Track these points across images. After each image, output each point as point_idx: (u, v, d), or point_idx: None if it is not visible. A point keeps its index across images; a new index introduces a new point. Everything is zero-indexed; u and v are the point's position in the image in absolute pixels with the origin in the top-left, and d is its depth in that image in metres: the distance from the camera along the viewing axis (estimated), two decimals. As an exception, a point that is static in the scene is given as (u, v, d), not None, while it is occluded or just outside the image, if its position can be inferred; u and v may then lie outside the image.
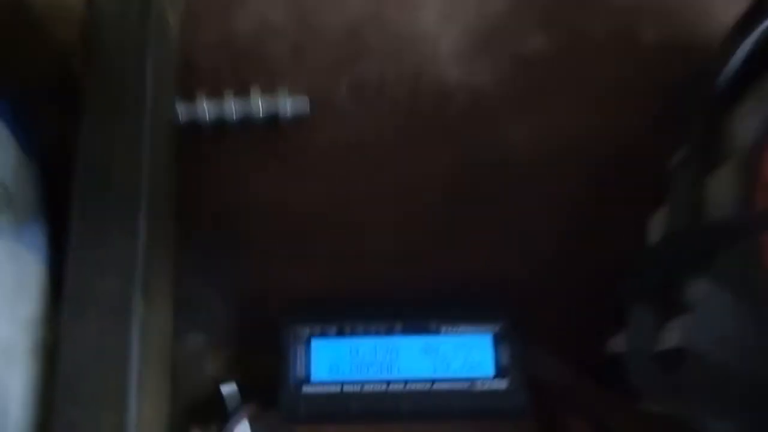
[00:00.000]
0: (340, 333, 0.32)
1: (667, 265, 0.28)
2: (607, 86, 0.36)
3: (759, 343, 0.23)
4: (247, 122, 0.34)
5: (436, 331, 0.32)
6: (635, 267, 0.32)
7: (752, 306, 0.23)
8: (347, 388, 0.31)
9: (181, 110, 0.34)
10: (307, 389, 0.31)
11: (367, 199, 0.36)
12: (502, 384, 0.31)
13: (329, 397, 0.31)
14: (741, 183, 0.25)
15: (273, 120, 0.34)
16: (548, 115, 0.37)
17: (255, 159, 0.37)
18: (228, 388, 0.34)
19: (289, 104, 0.34)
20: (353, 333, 0.32)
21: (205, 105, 0.34)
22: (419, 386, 0.31)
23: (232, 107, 0.34)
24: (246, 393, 0.34)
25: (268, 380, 0.32)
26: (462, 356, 0.31)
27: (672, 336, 0.26)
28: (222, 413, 0.34)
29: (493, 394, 0.31)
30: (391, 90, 0.37)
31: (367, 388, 0.31)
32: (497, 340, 0.31)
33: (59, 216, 0.31)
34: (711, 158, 0.28)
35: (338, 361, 0.32)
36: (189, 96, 0.35)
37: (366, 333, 0.32)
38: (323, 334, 0.32)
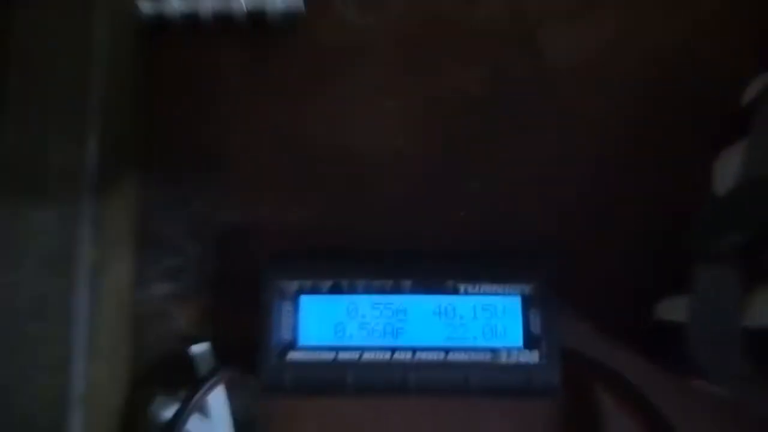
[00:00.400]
0: (336, 289, 0.26)
1: (751, 215, 0.22)
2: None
3: None
4: (227, 20, 0.28)
5: (454, 291, 0.26)
6: (706, 217, 0.26)
7: None
8: (343, 356, 0.25)
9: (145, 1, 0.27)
10: (293, 356, 0.26)
11: (374, 123, 0.30)
12: (532, 357, 0.25)
13: (320, 366, 0.25)
14: None
15: (259, 18, 0.28)
16: (595, 25, 0.30)
17: (236, 66, 0.30)
18: (200, 349, 0.29)
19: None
20: (351, 289, 0.26)
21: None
22: (431, 356, 0.25)
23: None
24: (221, 354, 0.29)
25: (249, 340, 0.27)
26: (484, 321, 0.26)
27: (760, 311, 0.21)
28: (192, 378, 0.28)
29: (520, 368, 0.25)
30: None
31: (368, 356, 0.25)
32: (527, 304, 0.26)
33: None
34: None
35: (332, 322, 0.26)
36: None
37: (367, 290, 0.26)
38: (315, 290, 0.26)
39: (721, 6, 0.30)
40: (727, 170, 0.26)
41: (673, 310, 0.27)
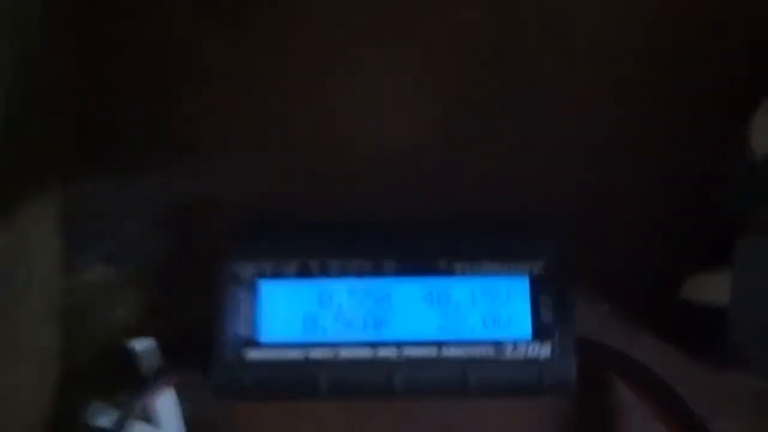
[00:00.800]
0: (304, 273, 0.21)
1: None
2: None
3: None
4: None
5: (448, 272, 0.21)
6: (746, 179, 0.22)
7: None
8: (315, 354, 0.21)
9: None
10: (253, 354, 0.21)
11: (354, 73, 0.25)
12: (543, 350, 0.21)
13: (287, 367, 0.21)
14: None
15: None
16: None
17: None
18: (143, 345, 0.24)
19: None
20: (323, 273, 0.21)
21: None
22: (421, 351, 0.21)
23: None
24: (169, 352, 0.24)
25: (202, 334, 0.22)
26: (484, 309, 0.21)
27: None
28: (134, 379, 0.24)
29: (529, 364, 0.21)
30: None
31: (345, 354, 0.21)
32: (537, 286, 0.21)
33: None
34: None
35: (301, 313, 0.21)
36: None
37: (342, 273, 0.21)
38: (278, 274, 0.21)
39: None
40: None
41: (707, 288, 0.23)
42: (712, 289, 0.22)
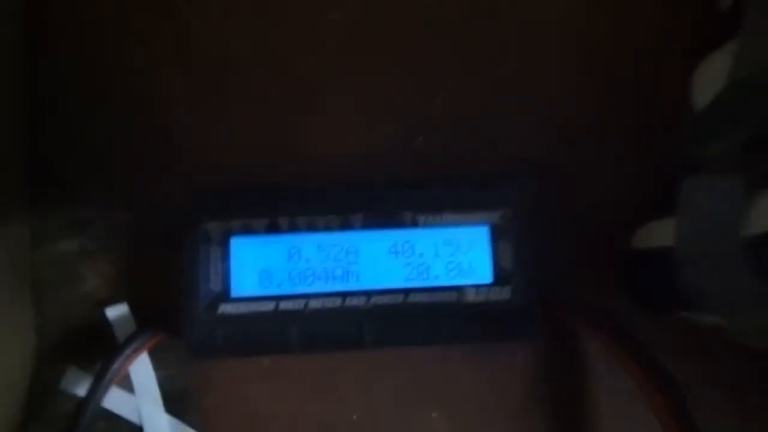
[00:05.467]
0: (273, 228, 0.22)
1: (754, 116, 0.20)
2: None
3: None
4: None
5: (412, 224, 0.22)
6: (692, 126, 0.23)
7: None
8: (285, 306, 0.22)
9: None
10: (225, 309, 0.22)
11: (314, 35, 0.25)
12: (503, 293, 0.22)
13: (258, 319, 0.21)
14: None
15: None
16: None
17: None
18: (116, 311, 0.24)
19: None
20: (292, 228, 0.22)
21: None
22: (388, 300, 0.22)
23: None
24: (142, 316, 0.24)
25: (174, 298, 0.23)
26: (447, 257, 0.22)
27: None
28: (109, 345, 0.24)
29: (490, 306, 0.22)
30: None
31: (314, 304, 0.22)
32: (496, 235, 0.22)
33: None
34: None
35: (270, 267, 0.22)
36: None
37: (310, 228, 0.22)
38: (248, 230, 0.22)
39: None
40: (709, 78, 0.23)
41: (656, 235, 0.24)
42: (662, 234, 0.23)
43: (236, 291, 0.22)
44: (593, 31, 0.26)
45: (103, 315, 0.24)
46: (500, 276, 0.22)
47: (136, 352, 0.24)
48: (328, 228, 0.22)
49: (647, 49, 0.26)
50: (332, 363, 0.24)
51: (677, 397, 0.21)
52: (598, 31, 0.26)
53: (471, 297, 0.22)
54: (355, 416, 0.24)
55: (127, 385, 0.24)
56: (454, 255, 0.22)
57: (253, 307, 0.21)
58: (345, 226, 0.22)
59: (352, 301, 0.21)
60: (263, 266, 0.22)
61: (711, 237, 0.20)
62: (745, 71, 0.21)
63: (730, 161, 0.20)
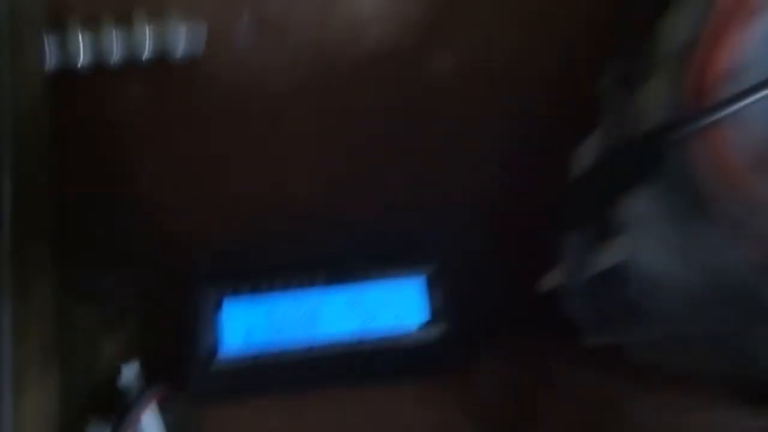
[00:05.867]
0: (256, 290, 0.28)
1: (603, 186, 0.27)
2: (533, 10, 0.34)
3: (700, 246, 0.22)
4: (131, 59, 0.30)
5: (365, 279, 0.28)
6: (569, 196, 0.30)
7: (691, 209, 0.22)
8: (263, 359, 0.27)
9: (51, 47, 0.29)
10: (217, 363, 0.27)
11: (278, 145, 0.32)
12: (436, 331, 0.28)
13: (242, 371, 0.27)
14: (673, 87, 0.24)
15: (161, 56, 0.30)
16: (472, 43, 0.34)
17: (142, 102, 0.32)
18: (129, 370, 0.29)
19: (180, 38, 0.30)
20: (271, 289, 0.28)
21: (80, 38, 0.29)
22: (344, 346, 0.28)
23: (112, 40, 0.29)
24: (152, 374, 0.30)
25: (179, 357, 0.28)
26: (391, 305, 0.28)
27: (610, 255, 0.25)
28: (124, 400, 0.29)
29: (427, 345, 0.28)
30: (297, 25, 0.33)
31: (286, 355, 0.27)
32: (430, 283, 0.28)
33: None
34: (642, 70, 0.27)
35: (254, 324, 0.28)
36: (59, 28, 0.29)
37: (286, 288, 0.28)
38: (236, 294, 0.28)
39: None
40: (583, 157, 0.30)
41: (554, 278, 0.30)
42: (553, 279, 0.30)
43: (226, 347, 0.27)
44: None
45: (119, 372, 0.29)
46: (434, 317, 0.28)
47: (146, 404, 0.29)
48: (299, 286, 0.28)
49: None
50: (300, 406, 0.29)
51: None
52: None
53: (412, 337, 0.28)
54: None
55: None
56: (397, 303, 0.28)
57: (238, 361, 0.27)
58: (312, 283, 0.28)
59: (315, 351, 0.27)
60: (248, 324, 0.28)
61: (576, 277, 0.26)
62: (608, 145, 0.28)
63: (589, 221, 0.27)
